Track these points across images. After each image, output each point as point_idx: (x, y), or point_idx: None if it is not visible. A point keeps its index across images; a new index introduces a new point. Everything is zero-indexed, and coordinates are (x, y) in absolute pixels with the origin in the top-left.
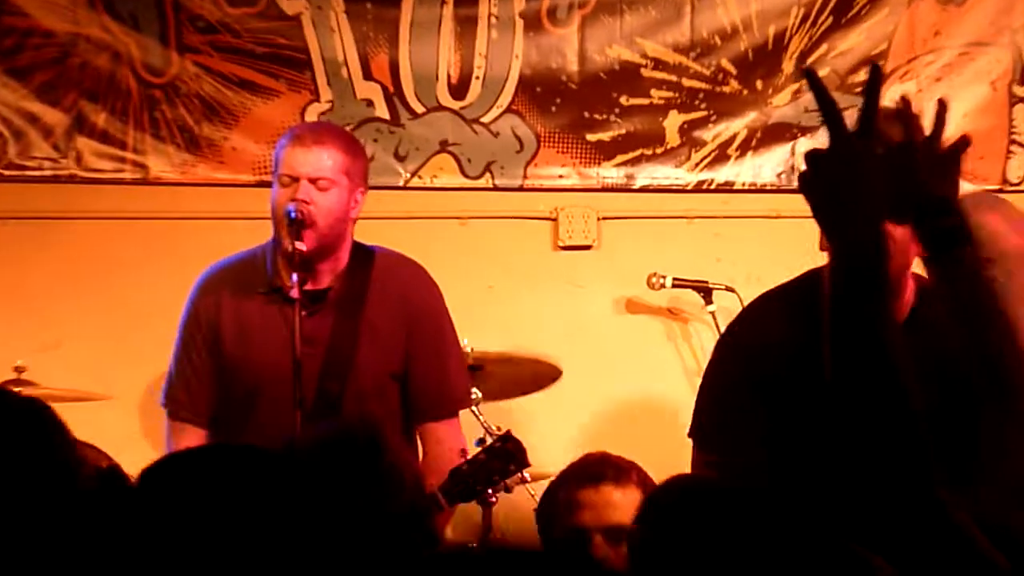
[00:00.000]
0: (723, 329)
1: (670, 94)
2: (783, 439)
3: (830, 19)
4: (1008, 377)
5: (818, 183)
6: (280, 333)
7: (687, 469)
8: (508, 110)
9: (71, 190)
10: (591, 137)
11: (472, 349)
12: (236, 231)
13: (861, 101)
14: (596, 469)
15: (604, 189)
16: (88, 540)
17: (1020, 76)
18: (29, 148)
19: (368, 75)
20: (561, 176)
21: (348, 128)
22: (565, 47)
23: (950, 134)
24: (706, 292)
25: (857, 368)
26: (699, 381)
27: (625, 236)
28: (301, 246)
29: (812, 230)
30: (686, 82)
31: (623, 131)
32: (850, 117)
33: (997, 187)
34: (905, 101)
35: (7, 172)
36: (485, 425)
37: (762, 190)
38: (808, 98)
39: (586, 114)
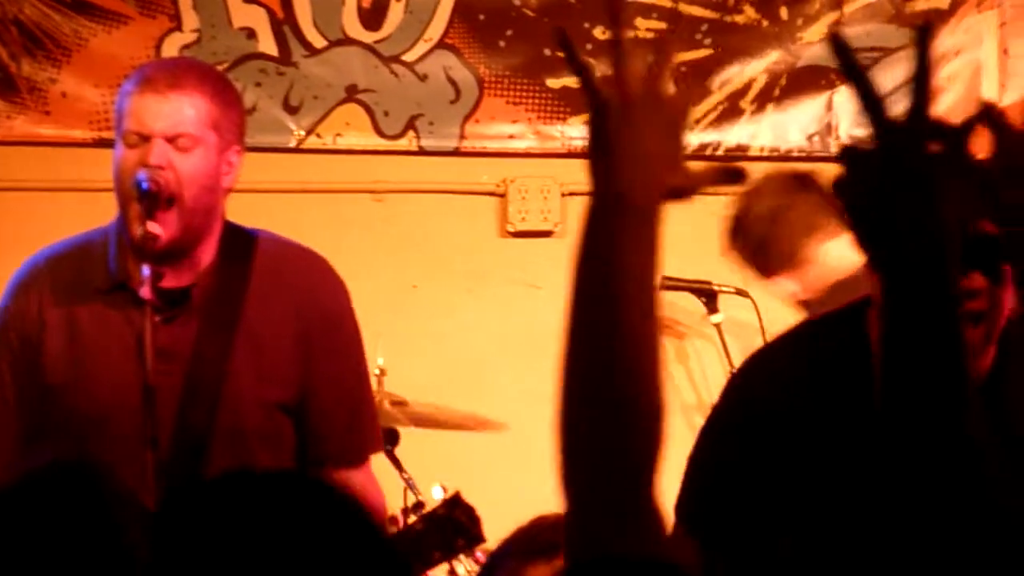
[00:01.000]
0: (735, 361)
1: (661, 24)
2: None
3: None
4: None
5: (860, 192)
6: (125, 346)
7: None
8: (440, 45)
9: None
10: (553, 83)
11: (386, 372)
12: (67, 206)
13: (910, 73)
14: (549, 537)
15: (570, 155)
16: None
17: None
18: None
19: None
20: (512, 136)
21: (222, 67)
22: None
23: None
24: (709, 296)
25: (923, 441)
26: (699, 422)
27: None
28: (156, 228)
29: None
30: (684, 7)
31: (598, 75)
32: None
33: None
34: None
35: None
36: (407, 479)
37: (787, 157)
38: (851, 32)
39: (547, 51)
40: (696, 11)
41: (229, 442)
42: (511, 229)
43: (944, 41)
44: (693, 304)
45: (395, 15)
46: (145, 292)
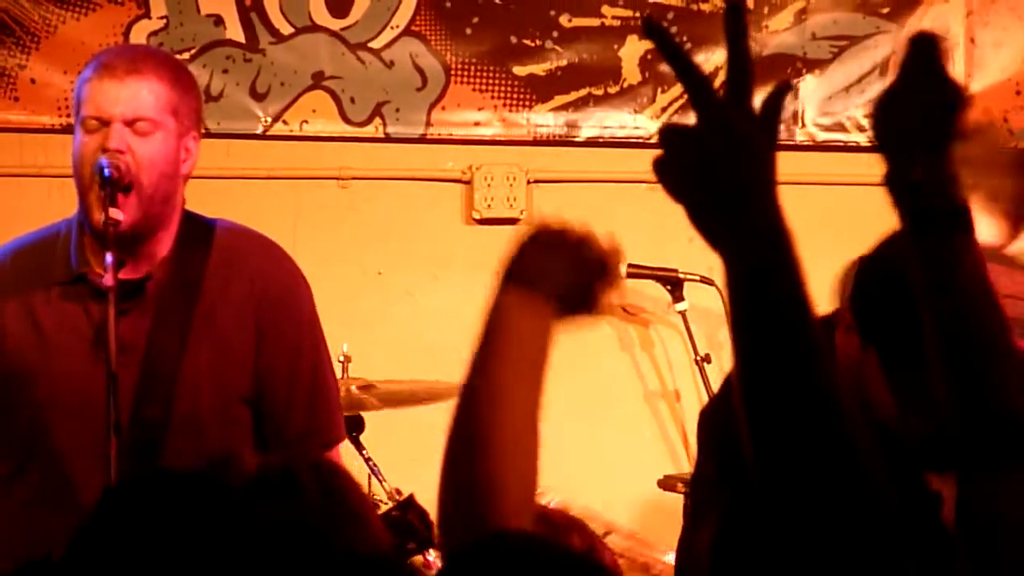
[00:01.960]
0: (700, 348)
1: (628, 12)
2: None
3: None
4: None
5: (679, 172)
6: (83, 338)
7: (648, 524)
8: (407, 32)
9: None
10: (520, 70)
11: (351, 358)
12: (35, 192)
13: (726, 53)
14: None
15: (537, 142)
16: None
17: None
18: None
19: None
20: (478, 123)
21: (189, 53)
22: None
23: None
24: (674, 284)
25: (781, 401)
26: (663, 406)
27: (564, 206)
28: (118, 215)
29: (821, 199)
30: None
31: (564, 62)
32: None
33: None
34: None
35: None
36: (373, 467)
37: None
38: (816, 21)
39: (513, 39)
40: None
41: (186, 432)
42: (477, 216)
43: (912, 29)
44: (658, 292)
45: (362, 2)
46: (108, 279)
